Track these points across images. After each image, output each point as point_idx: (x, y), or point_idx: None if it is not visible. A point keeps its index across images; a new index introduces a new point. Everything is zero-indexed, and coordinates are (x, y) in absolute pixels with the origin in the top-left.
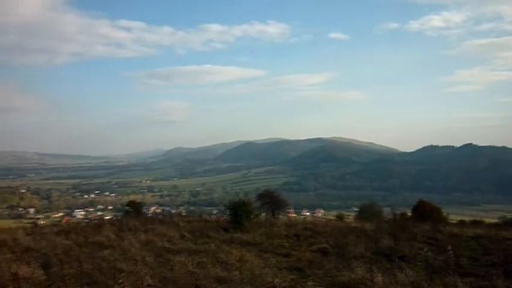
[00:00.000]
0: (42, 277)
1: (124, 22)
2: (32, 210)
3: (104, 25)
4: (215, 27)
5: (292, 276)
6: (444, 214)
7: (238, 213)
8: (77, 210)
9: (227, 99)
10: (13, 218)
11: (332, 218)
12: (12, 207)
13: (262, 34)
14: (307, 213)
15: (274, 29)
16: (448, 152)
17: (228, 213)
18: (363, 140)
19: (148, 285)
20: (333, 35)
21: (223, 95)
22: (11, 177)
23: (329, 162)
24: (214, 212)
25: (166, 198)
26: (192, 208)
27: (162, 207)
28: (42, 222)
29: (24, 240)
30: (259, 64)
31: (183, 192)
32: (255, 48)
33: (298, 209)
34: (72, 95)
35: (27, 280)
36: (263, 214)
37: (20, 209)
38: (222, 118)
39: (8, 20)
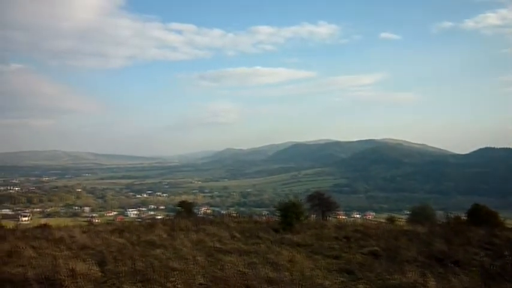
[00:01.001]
0: (97, 274)
1: (175, 25)
2: (87, 208)
3: (157, 28)
4: (265, 29)
5: (343, 279)
6: (501, 219)
7: (289, 214)
8: (130, 210)
9: (277, 101)
10: (70, 216)
11: (383, 220)
12: (68, 205)
13: (313, 35)
14: (357, 216)
15: (324, 30)
16: (506, 154)
17: (278, 214)
18: (414, 142)
19: (200, 284)
20: (384, 35)
21: (273, 96)
22: (67, 176)
23: (380, 164)
24: (264, 213)
25: (217, 199)
26: (242, 209)
27: (212, 208)
28: (96, 220)
29: (81, 237)
30: (309, 65)
31: (233, 193)
32: (305, 50)
33: (348, 211)
34: (126, 97)
35: (84, 276)
36: (313, 216)
37: (76, 208)
38: (272, 119)
39: (66, 25)
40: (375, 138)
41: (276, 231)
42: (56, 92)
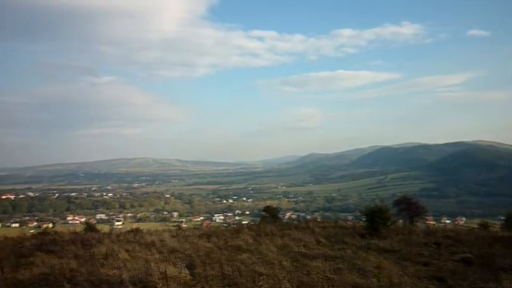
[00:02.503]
0: (187, 277)
1: (257, 32)
2: (175, 213)
3: (238, 36)
4: (346, 32)
5: (433, 287)
6: None
7: (375, 219)
8: (216, 215)
9: (361, 104)
10: (159, 221)
11: (475, 226)
12: (158, 210)
13: (396, 36)
14: (447, 221)
15: (408, 30)
16: None
17: (364, 219)
18: (509, 143)
19: None
20: (471, 32)
21: (356, 99)
22: (157, 183)
23: (471, 167)
24: (350, 218)
25: (301, 204)
26: (326, 214)
27: (297, 213)
28: (184, 225)
29: (170, 242)
30: (393, 67)
31: (318, 198)
32: (388, 51)
33: (437, 216)
34: (210, 104)
35: (175, 279)
36: (400, 221)
37: (165, 213)
38: (356, 123)
39: (153, 37)
40: (465, 140)
41: (362, 236)
42: (144, 101)
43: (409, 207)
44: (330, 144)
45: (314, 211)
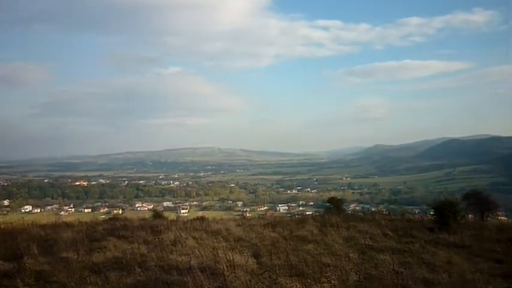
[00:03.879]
0: (254, 265)
1: (321, 22)
2: (239, 203)
3: (303, 26)
4: (414, 20)
5: (508, 285)
6: None
7: (445, 213)
8: (280, 205)
9: (429, 95)
10: (223, 210)
11: None
12: (223, 199)
13: (467, 24)
14: None
15: (480, 17)
16: None
17: (432, 212)
18: None
19: (355, 280)
20: None
21: (424, 90)
22: (222, 172)
23: None
24: (416, 211)
25: (366, 196)
26: (392, 206)
27: (361, 205)
28: (248, 214)
29: (236, 230)
30: (463, 56)
31: (383, 190)
32: (459, 40)
33: (510, 212)
34: (274, 95)
35: (241, 267)
36: (470, 215)
37: (230, 202)
38: (423, 114)
39: (219, 28)
40: None
41: (431, 230)
42: (210, 91)
43: (479, 201)
44: (395, 135)
45: (379, 203)
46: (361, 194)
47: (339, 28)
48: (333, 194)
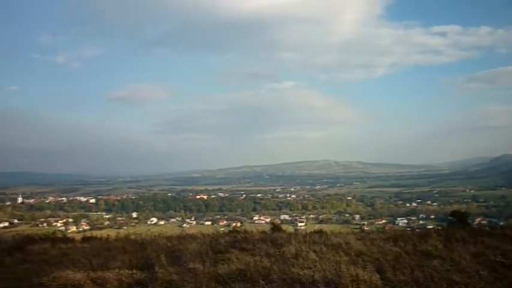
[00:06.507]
0: (378, 281)
1: (438, 28)
2: (357, 216)
3: (418, 33)
4: None
5: None
6: None
7: None
8: (399, 218)
9: None
10: (340, 223)
11: None
12: (340, 213)
13: None
14: None
15: None
16: None
17: None
18: None
19: None
20: None
21: None
22: (338, 185)
23: None
24: None
25: (493, 209)
26: None
27: (488, 219)
28: (366, 228)
29: (356, 244)
30: None
31: None
32: None
33: None
34: (389, 105)
35: (365, 282)
36: None
37: (347, 215)
38: None
39: (331, 40)
40: None
41: None
42: (325, 104)
43: None
44: None
45: (508, 217)
46: (487, 207)
47: (457, 33)
48: (455, 207)
